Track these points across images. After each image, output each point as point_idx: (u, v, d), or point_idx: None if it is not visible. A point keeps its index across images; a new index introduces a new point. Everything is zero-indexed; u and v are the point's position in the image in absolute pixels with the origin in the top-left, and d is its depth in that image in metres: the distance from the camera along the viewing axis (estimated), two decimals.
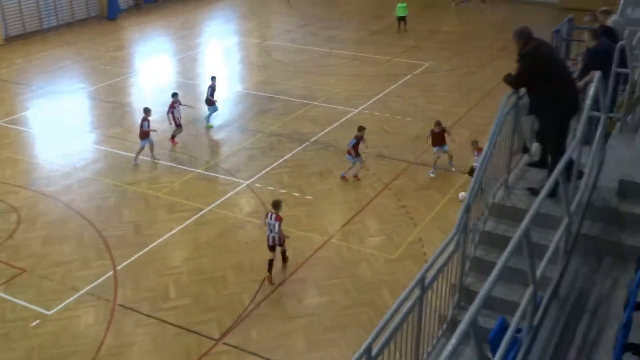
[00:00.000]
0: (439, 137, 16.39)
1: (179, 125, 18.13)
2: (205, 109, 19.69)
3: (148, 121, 17.07)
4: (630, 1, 14.93)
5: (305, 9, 34.59)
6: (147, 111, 17.19)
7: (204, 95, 20.06)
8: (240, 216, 14.82)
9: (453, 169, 16.59)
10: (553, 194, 6.66)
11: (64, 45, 28.41)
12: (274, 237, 12.46)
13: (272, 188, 15.91)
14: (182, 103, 18.41)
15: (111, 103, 21.60)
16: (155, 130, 17.25)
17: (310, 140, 18.57)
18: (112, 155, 17.80)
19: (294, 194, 15.70)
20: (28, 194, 15.85)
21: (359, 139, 15.93)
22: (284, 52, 26.94)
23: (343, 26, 31.42)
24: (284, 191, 15.75)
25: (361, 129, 16.08)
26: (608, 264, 6.52)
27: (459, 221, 6.40)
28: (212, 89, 19.27)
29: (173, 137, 18.19)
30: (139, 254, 13.41)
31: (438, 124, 16.40)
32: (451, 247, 6.38)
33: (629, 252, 6.36)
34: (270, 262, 12.46)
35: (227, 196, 15.65)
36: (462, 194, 15.05)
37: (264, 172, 16.77)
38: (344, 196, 15.65)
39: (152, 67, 26.02)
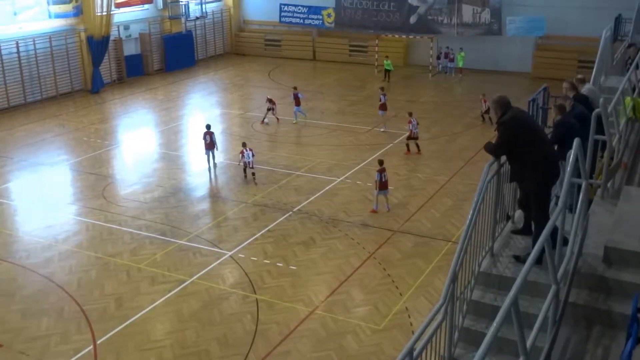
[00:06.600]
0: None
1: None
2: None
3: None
4: (602, 70, 15.39)
5: (286, 81, 35.21)
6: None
7: (187, 165, 21.96)
8: (224, 287, 14.63)
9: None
10: (539, 261, 6.67)
11: (47, 118, 28.53)
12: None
13: (255, 258, 15.78)
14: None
15: (94, 175, 21.56)
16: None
17: (294, 210, 18.58)
18: (94, 227, 17.64)
19: (277, 264, 15.58)
20: (7, 266, 15.57)
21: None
22: (266, 124, 27.25)
23: (323, 97, 31.94)
24: (267, 261, 15.63)
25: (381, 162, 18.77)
26: (598, 332, 6.47)
27: (445, 290, 6.35)
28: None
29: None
30: (120, 328, 13.12)
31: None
32: (439, 317, 6.30)
33: (618, 319, 6.33)
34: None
35: (210, 267, 15.48)
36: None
37: (247, 242, 16.68)
38: (329, 266, 15.54)
39: (135, 138, 26.15)
